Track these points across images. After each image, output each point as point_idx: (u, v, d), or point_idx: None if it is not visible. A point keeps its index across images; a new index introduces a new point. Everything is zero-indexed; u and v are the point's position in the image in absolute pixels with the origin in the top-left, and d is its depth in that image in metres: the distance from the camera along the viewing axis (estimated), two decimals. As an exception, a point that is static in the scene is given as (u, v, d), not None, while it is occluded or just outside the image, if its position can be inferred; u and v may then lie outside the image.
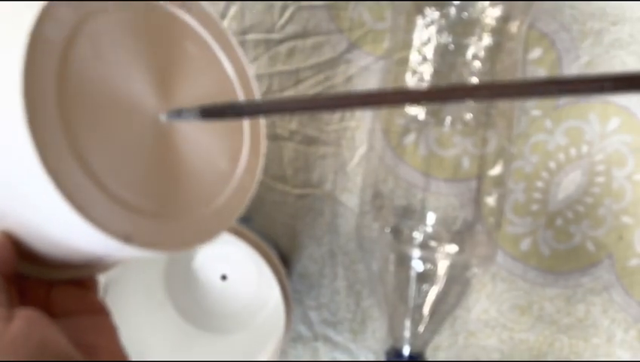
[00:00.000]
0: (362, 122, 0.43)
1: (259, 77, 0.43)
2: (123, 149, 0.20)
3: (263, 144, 0.26)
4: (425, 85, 0.38)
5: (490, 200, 0.40)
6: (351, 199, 0.44)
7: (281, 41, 0.42)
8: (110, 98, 0.20)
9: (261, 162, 0.25)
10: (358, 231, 0.42)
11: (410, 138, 0.39)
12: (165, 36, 0.23)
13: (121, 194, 0.19)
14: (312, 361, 0.46)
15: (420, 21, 0.38)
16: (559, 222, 0.43)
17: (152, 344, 0.41)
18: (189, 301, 0.44)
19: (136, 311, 0.41)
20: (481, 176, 0.39)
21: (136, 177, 0.20)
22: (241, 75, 0.25)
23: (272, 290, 0.42)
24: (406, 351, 0.39)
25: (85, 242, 0.20)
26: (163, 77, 0.22)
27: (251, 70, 0.26)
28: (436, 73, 0.38)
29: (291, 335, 0.46)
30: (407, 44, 0.38)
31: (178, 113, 0.21)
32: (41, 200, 0.18)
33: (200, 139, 0.23)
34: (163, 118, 0.22)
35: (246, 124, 0.25)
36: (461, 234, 0.39)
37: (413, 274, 0.38)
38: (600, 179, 0.42)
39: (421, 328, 0.39)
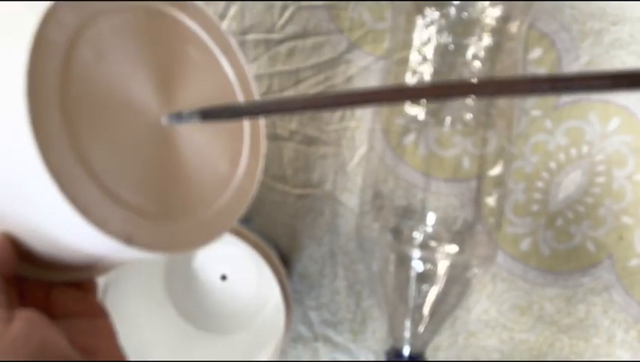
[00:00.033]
0: (362, 122, 0.43)
1: (259, 77, 0.43)
2: (124, 151, 0.20)
3: (263, 146, 0.26)
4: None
5: (491, 201, 0.40)
6: (351, 199, 0.44)
7: (281, 41, 0.42)
8: (112, 100, 0.20)
9: (261, 164, 0.26)
10: (358, 232, 0.42)
11: (410, 138, 0.39)
12: (167, 40, 0.23)
13: (123, 196, 0.20)
14: (312, 361, 0.46)
15: (419, 21, 0.38)
16: (559, 222, 0.43)
17: (152, 344, 0.41)
18: (189, 301, 0.44)
19: (136, 311, 0.41)
20: (481, 176, 0.39)
21: (137, 179, 0.20)
22: (241, 79, 0.25)
23: (272, 290, 0.42)
24: (406, 351, 0.39)
25: (86, 243, 0.20)
26: (164, 80, 0.22)
27: (251, 73, 0.26)
28: (436, 73, 0.38)
29: (291, 336, 0.46)
30: (407, 44, 0.38)
31: (178, 116, 0.22)
32: (43, 200, 0.18)
33: (200, 142, 0.23)
34: (164, 120, 0.22)
35: (246, 126, 0.25)
36: (461, 235, 0.39)
37: (413, 274, 0.38)
38: (600, 180, 0.42)
39: (421, 328, 0.39)
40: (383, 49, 0.42)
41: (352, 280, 0.45)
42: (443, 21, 0.37)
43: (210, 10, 0.41)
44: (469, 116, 0.38)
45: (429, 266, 0.38)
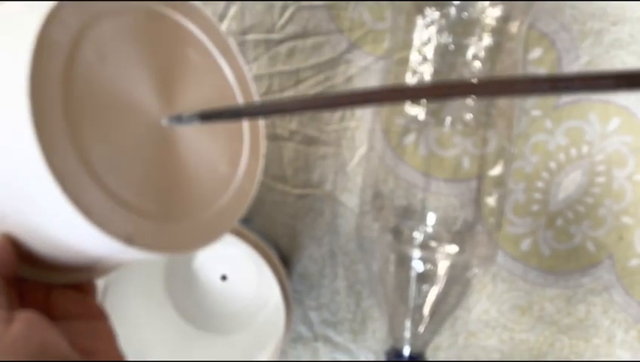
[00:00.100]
0: (362, 122, 0.43)
1: (259, 77, 0.43)
2: (126, 152, 0.20)
3: (263, 146, 0.26)
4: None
5: (491, 201, 0.40)
6: (351, 199, 0.44)
7: (281, 41, 0.42)
8: (114, 101, 0.20)
9: (261, 164, 0.26)
10: (358, 232, 0.42)
11: (411, 138, 0.39)
12: (168, 42, 0.23)
13: (124, 196, 0.20)
14: (312, 361, 0.46)
15: (420, 21, 0.38)
16: (559, 222, 0.43)
17: (152, 344, 0.41)
18: (189, 301, 0.44)
19: (137, 312, 0.41)
20: (481, 177, 0.39)
21: (138, 180, 0.20)
22: (240, 80, 0.26)
23: (272, 290, 0.42)
24: (406, 351, 0.39)
25: (87, 243, 0.20)
26: (165, 81, 0.22)
27: (250, 74, 0.26)
28: (436, 73, 0.38)
29: (291, 336, 0.46)
30: (407, 45, 0.38)
31: (179, 118, 0.22)
32: (45, 201, 0.18)
33: (201, 143, 0.23)
34: (165, 122, 0.22)
35: (245, 127, 0.25)
36: (461, 235, 0.39)
37: (413, 274, 0.38)
38: (600, 180, 0.42)
39: (421, 328, 0.39)
40: (383, 49, 0.42)
41: (352, 281, 0.45)
42: (443, 21, 0.37)
43: (210, 10, 0.41)
44: (469, 116, 0.38)
45: (429, 266, 0.38)
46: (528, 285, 0.43)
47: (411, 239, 0.38)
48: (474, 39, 0.37)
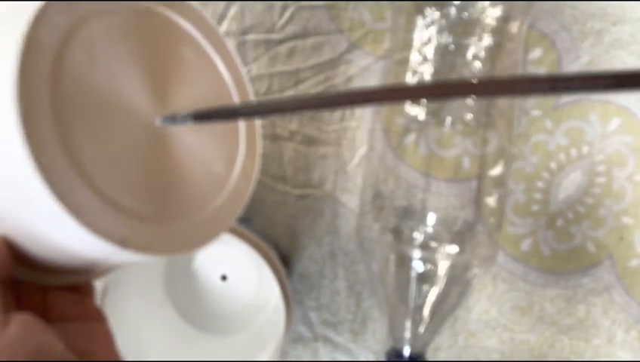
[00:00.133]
0: (362, 122, 0.43)
1: (259, 77, 0.42)
2: (118, 153, 0.20)
3: (259, 146, 0.26)
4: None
5: (491, 201, 0.39)
6: (351, 199, 0.44)
7: (281, 42, 0.42)
8: (105, 102, 0.20)
9: (257, 165, 0.25)
10: (358, 232, 0.42)
11: (411, 138, 0.39)
12: (161, 41, 0.23)
13: (117, 198, 0.19)
14: (312, 361, 0.46)
15: (420, 21, 0.37)
16: (560, 222, 0.43)
17: (152, 345, 0.41)
18: (189, 301, 0.44)
19: (136, 312, 0.41)
20: (481, 177, 0.39)
21: (131, 181, 0.20)
22: (236, 79, 0.25)
23: (272, 291, 0.42)
24: (406, 351, 0.39)
25: (80, 246, 0.20)
26: (158, 81, 0.22)
27: (246, 73, 0.26)
28: (436, 73, 0.37)
29: (291, 336, 0.45)
30: (407, 45, 0.38)
31: (172, 118, 0.21)
32: (36, 204, 0.18)
33: (195, 143, 0.23)
34: (158, 122, 0.22)
35: (242, 126, 0.25)
36: (462, 235, 0.39)
37: (413, 274, 0.38)
38: (600, 180, 0.42)
39: (421, 329, 0.39)
40: (383, 49, 0.42)
41: (352, 281, 0.45)
42: (443, 21, 0.37)
43: (210, 10, 0.41)
44: (469, 116, 0.38)
45: (429, 267, 0.38)
46: (528, 285, 0.43)
47: (411, 239, 0.38)
48: (474, 39, 0.37)
